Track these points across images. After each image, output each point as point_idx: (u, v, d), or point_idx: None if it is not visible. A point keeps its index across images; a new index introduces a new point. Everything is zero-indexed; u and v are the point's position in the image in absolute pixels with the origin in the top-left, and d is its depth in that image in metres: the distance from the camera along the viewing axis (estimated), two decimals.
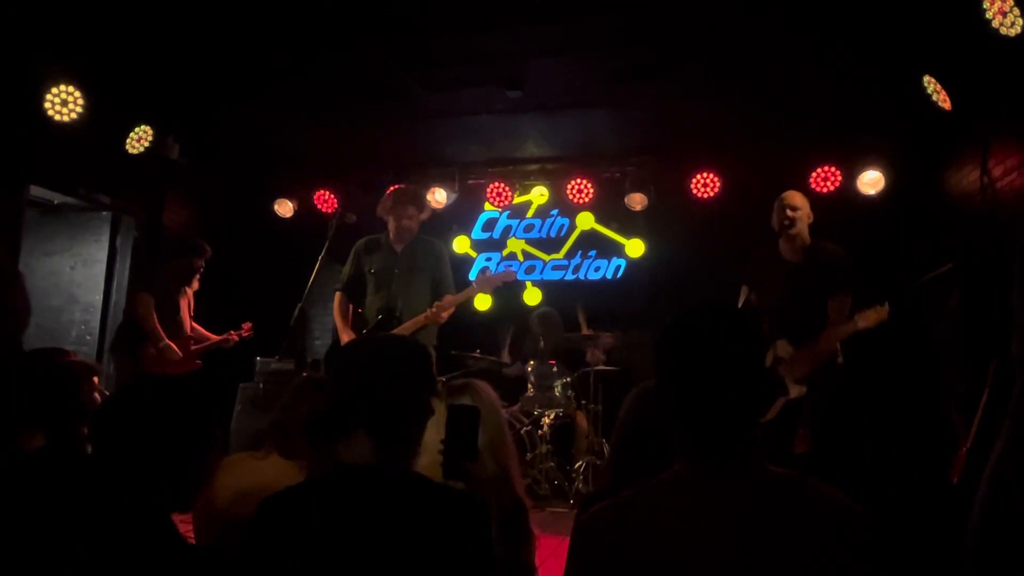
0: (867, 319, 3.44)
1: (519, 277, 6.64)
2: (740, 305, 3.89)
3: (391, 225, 4.18)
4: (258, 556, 1.27)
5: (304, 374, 4.06)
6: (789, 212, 3.71)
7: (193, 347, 4.98)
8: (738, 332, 1.23)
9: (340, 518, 1.27)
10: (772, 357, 3.63)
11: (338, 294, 4.33)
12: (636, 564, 1.12)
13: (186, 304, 4.99)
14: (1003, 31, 3.34)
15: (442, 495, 1.34)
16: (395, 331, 3.93)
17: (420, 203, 4.24)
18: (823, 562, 1.08)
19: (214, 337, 5.20)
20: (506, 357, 6.13)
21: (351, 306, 4.32)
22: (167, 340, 4.68)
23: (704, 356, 1.20)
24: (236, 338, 5.26)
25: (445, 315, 4.05)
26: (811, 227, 3.80)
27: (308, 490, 1.34)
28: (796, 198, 3.80)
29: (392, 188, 4.25)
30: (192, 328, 5.06)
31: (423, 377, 1.46)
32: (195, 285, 5.08)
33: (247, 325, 5.32)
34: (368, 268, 4.22)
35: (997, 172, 4.35)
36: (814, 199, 5.37)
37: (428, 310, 4.02)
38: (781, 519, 1.12)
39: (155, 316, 4.65)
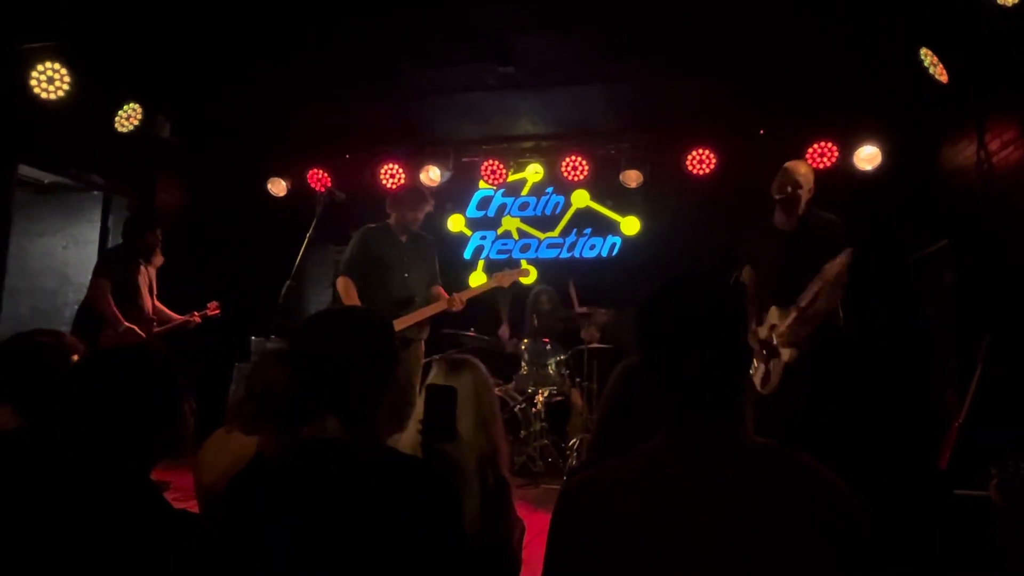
0: (834, 265, 3.39)
1: (514, 256, 6.67)
2: (731, 282, 3.85)
3: (401, 218, 4.44)
4: (230, 534, 1.27)
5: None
6: (800, 180, 3.69)
7: (156, 329, 4.83)
8: (714, 302, 1.22)
9: (309, 491, 1.27)
10: (768, 326, 3.62)
11: (344, 279, 4.35)
12: (614, 534, 1.12)
13: (146, 283, 4.83)
14: (1000, 0, 3.28)
15: (408, 467, 1.34)
16: (412, 315, 4.26)
17: (430, 202, 4.60)
18: (799, 533, 1.08)
19: (177, 318, 5.00)
20: (504, 332, 6.11)
21: (356, 291, 4.34)
22: (127, 324, 4.55)
23: (680, 326, 1.20)
24: (199, 319, 5.06)
25: (460, 306, 4.37)
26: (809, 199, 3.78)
27: (277, 466, 1.33)
28: (804, 166, 3.84)
29: (409, 187, 4.59)
30: (155, 308, 4.90)
31: (384, 349, 1.44)
32: (157, 261, 4.89)
33: (213, 304, 5.14)
34: (384, 258, 4.40)
35: (994, 146, 4.31)
36: None
37: (452, 296, 4.32)
38: (759, 490, 1.11)
39: (111, 301, 4.53)
